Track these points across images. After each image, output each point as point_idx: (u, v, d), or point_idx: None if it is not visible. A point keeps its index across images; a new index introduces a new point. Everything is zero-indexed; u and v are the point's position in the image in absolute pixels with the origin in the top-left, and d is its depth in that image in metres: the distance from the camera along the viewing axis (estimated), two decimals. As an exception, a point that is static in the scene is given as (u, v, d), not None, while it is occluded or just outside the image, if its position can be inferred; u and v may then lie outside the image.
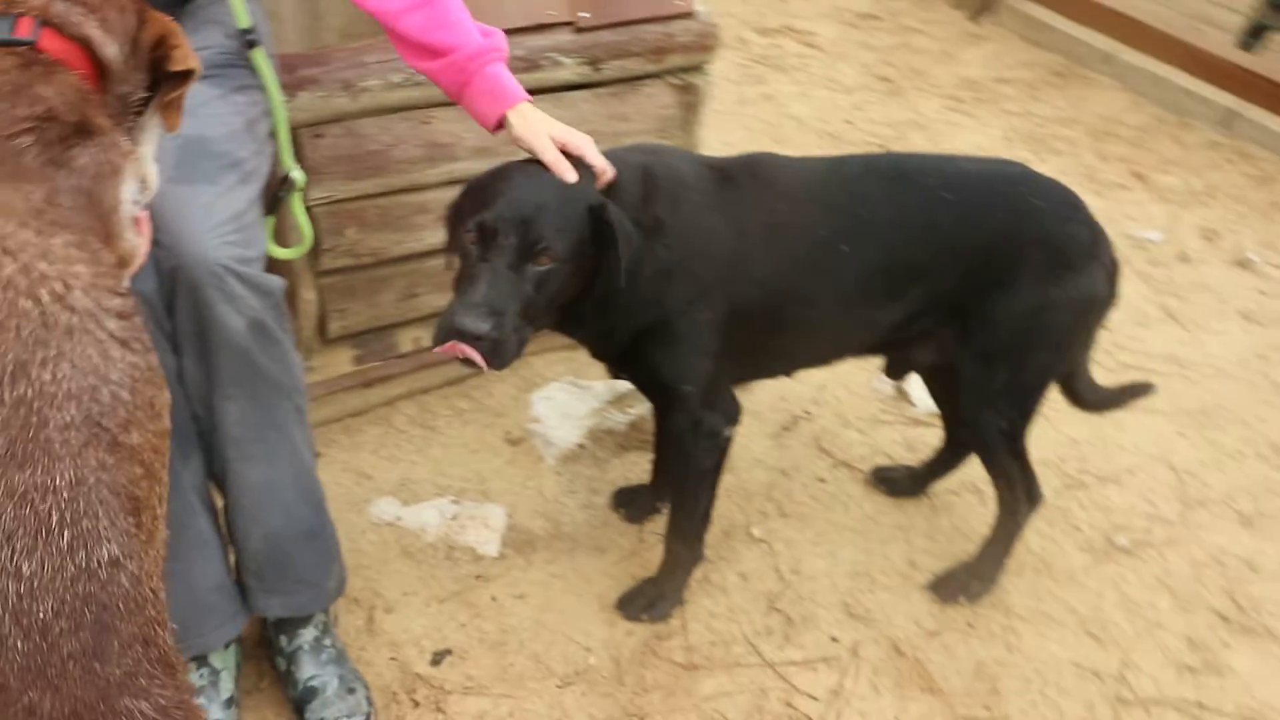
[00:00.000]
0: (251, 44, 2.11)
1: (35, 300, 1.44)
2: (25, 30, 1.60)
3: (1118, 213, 4.19)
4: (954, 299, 2.35)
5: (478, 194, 2.05)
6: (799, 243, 2.27)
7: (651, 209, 2.16)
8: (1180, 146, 4.77)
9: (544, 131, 2.05)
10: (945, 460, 2.85)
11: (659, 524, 2.72)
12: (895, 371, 2.70)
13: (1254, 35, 5.32)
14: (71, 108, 1.58)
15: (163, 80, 1.79)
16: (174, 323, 1.92)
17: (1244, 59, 5.04)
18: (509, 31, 2.69)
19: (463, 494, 2.75)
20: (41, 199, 1.51)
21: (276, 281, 2.01)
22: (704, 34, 2.92)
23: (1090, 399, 2.61)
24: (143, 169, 1.71)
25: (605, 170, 2.08)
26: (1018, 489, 2.53)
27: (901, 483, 2.90)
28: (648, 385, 2.42)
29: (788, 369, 2.57)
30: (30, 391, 1.40)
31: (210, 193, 1.92)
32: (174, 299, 1.89)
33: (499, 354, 1.94)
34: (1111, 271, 2.37)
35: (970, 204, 2.31)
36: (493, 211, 1.98)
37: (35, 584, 1.32)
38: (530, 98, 2.10)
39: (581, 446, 2.90)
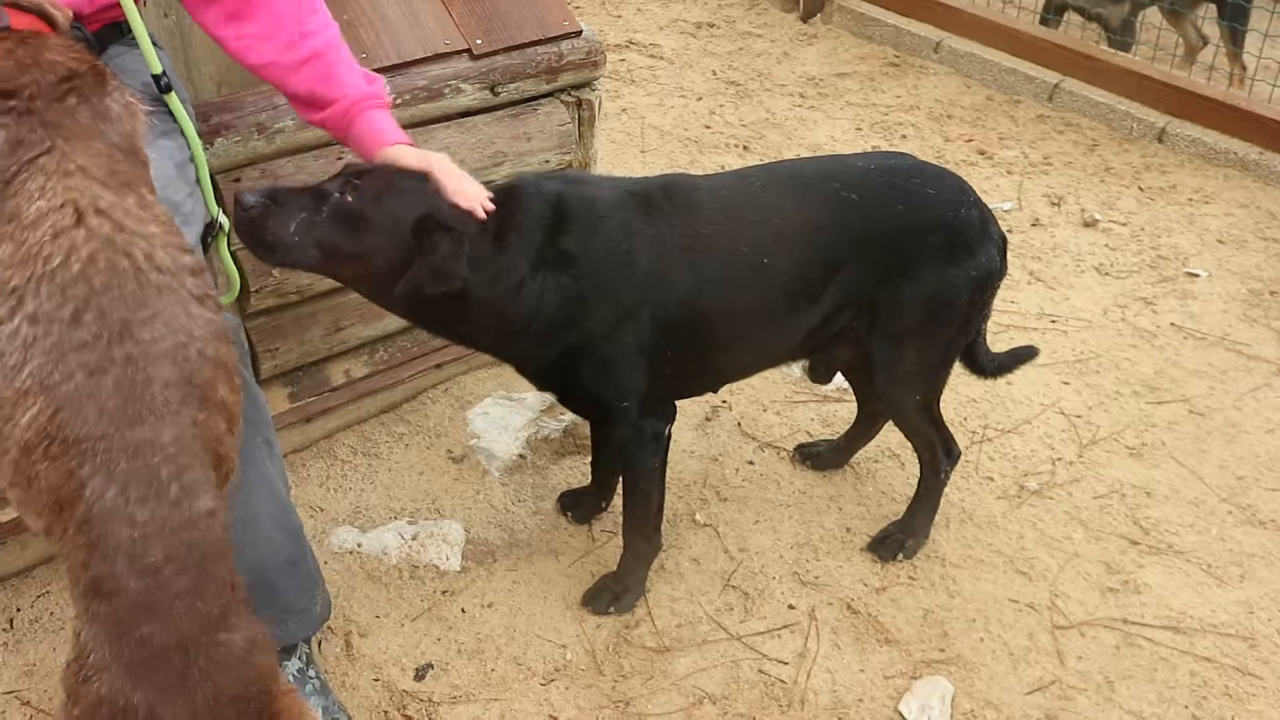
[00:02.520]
0: (166, 88, 2.15)
1: (131, 259, 1.48)
2: None
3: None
4: (865, 291, 2.47)
5: None
6: (721, 261, 2.37)
7: (558, 242, 2.26)
8: (1013, 122, 5.10)
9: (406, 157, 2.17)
10: (862, 432, 3.02)
11: (607, 522, 2.83)
12: (819, 375, 2.84)
13: (1053, 12, 5.70)
14: (78, 61, 1.63)
15: None
16: None
17: (1058, 37, 5.42)
18: (409, 64, 2.78)
19: (417, 514, 2.81)
20: (107, 158, 1.56)
21: (233, 320, 2.05)
22: (592, 51, 3.05)
23: (987, 366, 2.80)
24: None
25: (473, 207, 2.18)
26: (938, 450, 2.72)
27: (825, 457, 3.06)
28: (585, 405, 2.51)
29: (716, 385, 2.68)
30: (136, 350, 1.44)
31: None
32: None
33: (251, 229, 2.11)
34: (1002, 246, 2.56)
35: (872, 201, 2.43)
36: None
37: (148, 530, 1.40)
38: (408, 140, 2.19)
39: (522, 457, 2.98)
